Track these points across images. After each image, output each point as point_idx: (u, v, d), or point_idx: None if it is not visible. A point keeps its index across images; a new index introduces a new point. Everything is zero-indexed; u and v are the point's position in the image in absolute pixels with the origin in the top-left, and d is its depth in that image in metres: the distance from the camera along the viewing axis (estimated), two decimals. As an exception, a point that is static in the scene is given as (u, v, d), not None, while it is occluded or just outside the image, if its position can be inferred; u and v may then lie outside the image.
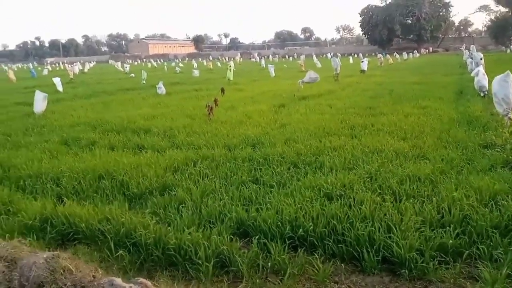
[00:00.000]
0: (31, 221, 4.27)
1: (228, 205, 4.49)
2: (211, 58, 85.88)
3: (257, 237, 3.83)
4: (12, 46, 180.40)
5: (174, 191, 5.04)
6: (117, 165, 6.06)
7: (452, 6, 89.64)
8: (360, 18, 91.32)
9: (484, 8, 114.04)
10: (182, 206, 4.60)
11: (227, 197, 4.74)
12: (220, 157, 6.44)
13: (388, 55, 48.78)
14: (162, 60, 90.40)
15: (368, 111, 10.82)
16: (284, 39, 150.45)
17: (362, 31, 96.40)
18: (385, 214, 4.06)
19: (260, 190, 4.95)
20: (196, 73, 31.12)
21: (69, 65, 58.48)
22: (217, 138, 8.00)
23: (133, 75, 34.25)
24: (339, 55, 67.93)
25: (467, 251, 3.49)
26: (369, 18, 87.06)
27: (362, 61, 26.39)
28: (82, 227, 4.11)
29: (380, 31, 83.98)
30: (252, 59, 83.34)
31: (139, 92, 19.07)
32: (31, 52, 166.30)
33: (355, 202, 4.38)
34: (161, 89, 17.86)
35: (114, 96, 17.72)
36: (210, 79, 27.73)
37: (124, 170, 5.82)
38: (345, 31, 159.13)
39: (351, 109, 11.19)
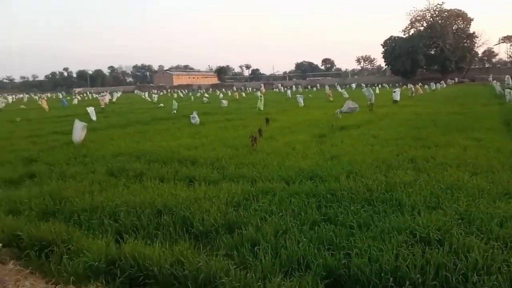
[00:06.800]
0: (96, 263, 3.89)
1: (311, 249, 4.01)
2: (235, 88, 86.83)
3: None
4: (41, 77, 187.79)
5: (244, 229, 4.60)
6: (175, 199, 5.70)
7: (477, 37, 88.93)
8: (383, 49, 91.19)
9: (508, 39, 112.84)
10: (257, 248, 4.16)
11: (305, 239, 4.28)
12: (281, 192, 6.00)
13: (418, 86, 47.94)
14: (186, 90, 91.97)
15: (419, 142, 10.31)
16: (304, 70, 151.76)
17: (384, 62, 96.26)
18: (500, 265, 3.52)
19: (339, 232, 4.47)
20: (224, 103, 31.18)
21: (100, 95, 60.14)
22: (269, 170, 7.61)
23: (162, 105, 34.65)
24: (364, 85, 67.82)
25: None
26: (392, 49, 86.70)
27: (395, 91, 25.93)
28: (154, 271, 3.71)
29: (403, 61, 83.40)
30: (275, 90, 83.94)
31: (172, 122, 19.01)
32: (59, 82, 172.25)
33: (458, 248, 3.85)
34: (195, 119, 17.79)
35: (149, 126, 17.66)
36: (240, 109, 27.68)
37: (184, 205, 5.45)
38: (366, 62, 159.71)
39: (400, 141, 10.68)
